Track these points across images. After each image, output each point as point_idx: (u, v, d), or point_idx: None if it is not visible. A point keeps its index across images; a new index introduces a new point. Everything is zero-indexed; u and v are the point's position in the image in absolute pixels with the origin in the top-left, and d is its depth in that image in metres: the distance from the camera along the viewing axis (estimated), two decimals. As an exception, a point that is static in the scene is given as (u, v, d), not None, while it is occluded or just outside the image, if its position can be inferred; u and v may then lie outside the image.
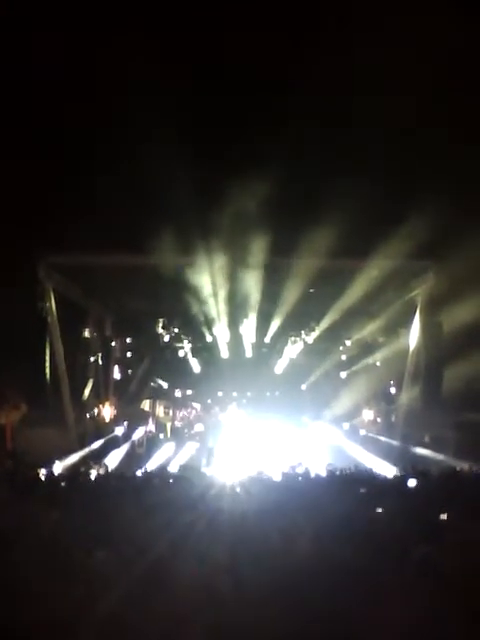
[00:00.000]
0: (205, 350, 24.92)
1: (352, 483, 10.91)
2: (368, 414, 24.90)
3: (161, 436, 25.72)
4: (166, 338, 24.08)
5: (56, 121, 18.02)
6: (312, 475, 13.55)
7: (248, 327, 23.39)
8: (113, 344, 24.27)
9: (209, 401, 27.71)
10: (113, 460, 20.28)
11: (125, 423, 23.21)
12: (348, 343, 24.80)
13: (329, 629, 2.50)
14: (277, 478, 12.65)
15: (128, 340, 25.21)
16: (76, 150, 17.82)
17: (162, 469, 17.60)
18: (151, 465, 19.30)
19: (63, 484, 10.63)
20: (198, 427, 26.86)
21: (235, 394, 27.24)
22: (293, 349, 24.45)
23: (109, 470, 18.28)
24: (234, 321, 23.11)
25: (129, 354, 25.40)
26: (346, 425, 24.15)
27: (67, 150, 17.92)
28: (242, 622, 2.60)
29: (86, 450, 19.88)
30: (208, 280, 19.91)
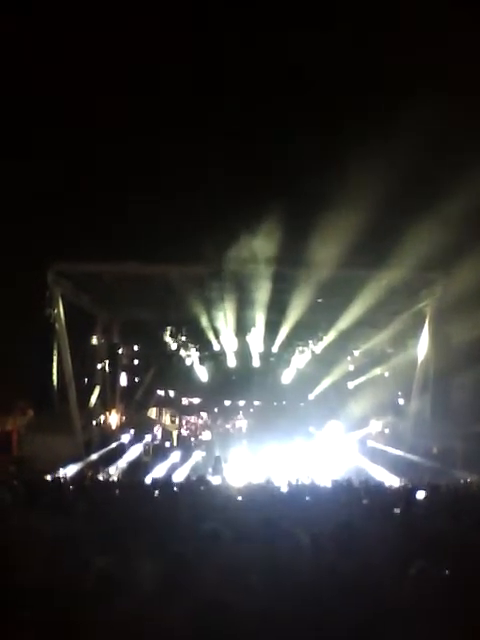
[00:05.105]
0: (212, 359, 24.87)
1: (358, 494, 10.82)
2: (376, 425, 24.73)
3: (167, 444, 25.66)
4: (173, 346, 24.06)
5: (67, 131, 18.18)
6: (319, 485, 13.45)
7: (256, 336, 23.33)
8: (120, 351, 24.28)
9: (216, 410, 27.64)
10: (119, 468, 20.23)
11: (131, 431, 23.17)
12: (356, 353, 24.68)
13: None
14: (283, 488, 12.57)
15: (135, 348, 25.20)
16: (86, 159, 17.96)
17: (168, 477, 17.55)
18: (157, 473, 19.24)
19: (68, 490, 10.61)
20: (205, 436, 26.79)
21: (242, 403, 27.17)
22: (301, 359, 24.36)
23: (115, 478, 18.25)
24: (242, 330, 23.07)
25: (136, 362, 25.39)
26: (353, 436, 23.98)
27: (77, 159, 18.06)
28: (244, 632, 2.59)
29: (92, 457, 19.83)
30: (216, 289, 19.91)
